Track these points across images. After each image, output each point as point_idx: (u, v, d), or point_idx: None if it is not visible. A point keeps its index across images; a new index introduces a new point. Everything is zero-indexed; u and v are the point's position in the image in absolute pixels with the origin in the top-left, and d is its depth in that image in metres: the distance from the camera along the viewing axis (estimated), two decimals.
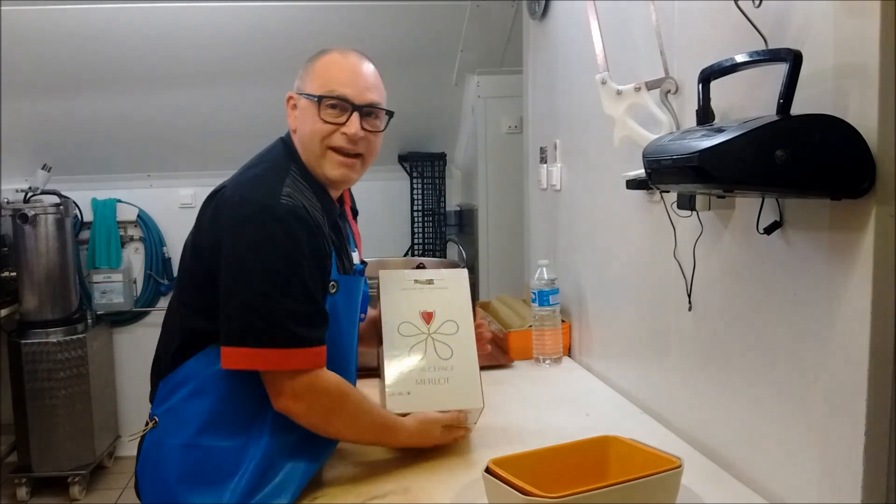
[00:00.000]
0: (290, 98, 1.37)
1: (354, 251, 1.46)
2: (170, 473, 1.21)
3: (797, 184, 0.94)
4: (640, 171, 1.28)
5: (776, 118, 0.96)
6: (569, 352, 2.12)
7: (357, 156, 1.33)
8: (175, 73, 3.27)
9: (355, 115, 1.30)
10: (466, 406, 1.36)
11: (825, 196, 0.97)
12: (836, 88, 0.98)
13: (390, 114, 1.38)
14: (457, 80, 3.62)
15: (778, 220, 1.12)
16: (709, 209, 1.31)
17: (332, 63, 1.34)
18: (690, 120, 1.27)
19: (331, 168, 1.32)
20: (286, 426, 1.24)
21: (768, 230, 1.13)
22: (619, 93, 1.44)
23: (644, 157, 1.15)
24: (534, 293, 2.01)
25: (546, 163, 2.33)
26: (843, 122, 0.94)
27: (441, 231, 3.90)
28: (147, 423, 1.28)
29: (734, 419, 1.29)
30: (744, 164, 0.94)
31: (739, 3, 1.12)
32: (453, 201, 4.04)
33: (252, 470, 1.21)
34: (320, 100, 1.29)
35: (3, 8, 2.91)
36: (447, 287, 1.48)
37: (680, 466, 1.05)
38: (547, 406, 1.70)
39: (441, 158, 3.93)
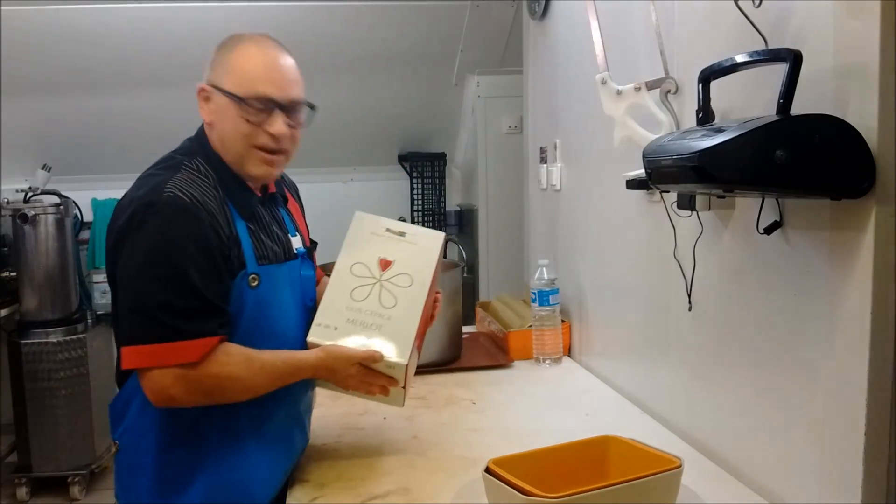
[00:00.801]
0: (203, 90, 1.30)
1: (295, 235, 1.41)
2: (142, 496, 1.27)
3: (797, 184, 0.94)
4: (640, 171, 1.28)
5: (776, 118, 0.96)
6: (569, 352, 2.12)
7: (281, 152, 1.30)
8: (175, 73, 3.26)
9: (279, 114, 1.26)
10: (388, 356, 1.26)
11: (825, 196, 0.97)
12: (836, 88, 0.98)
13: (312, 107, 1.33)
14: (457, 80, 3.62)
15: (778, 220, 1.12)
16: (709, 209, 1.31)
17: (250, 58, 1.27)
18: (690, 120, 1.27)
19: (254, 166, 1.28)
20: (239, 422, 1.26)
21: (768, 230, 1.13)
22: (619, 93, 1.44)
23: (644, 157, 1.15)
24: (534, 293, 2.01)
25: (546, 163, 2.33)
26: (843, 122, 0.94)
27: (441, 231, 3.89)
28: (110, 449, 1.31)
29: (734, 419, 1.29)
30: (744, 164, 0.94)
31: (739, 3, 1.12)
32: (453, 201, 4.04)
33: (215, 470, 1.24)
34: (242, 100, 1.24)
35: (3, 8, 2.91)
36: (417, 244, 1.39)
37: (680, 466, 1.05)
38: (547, 406, 1.70)
39: (441, 158, 3.93)
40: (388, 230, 1.39)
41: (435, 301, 1.45)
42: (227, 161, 1.28)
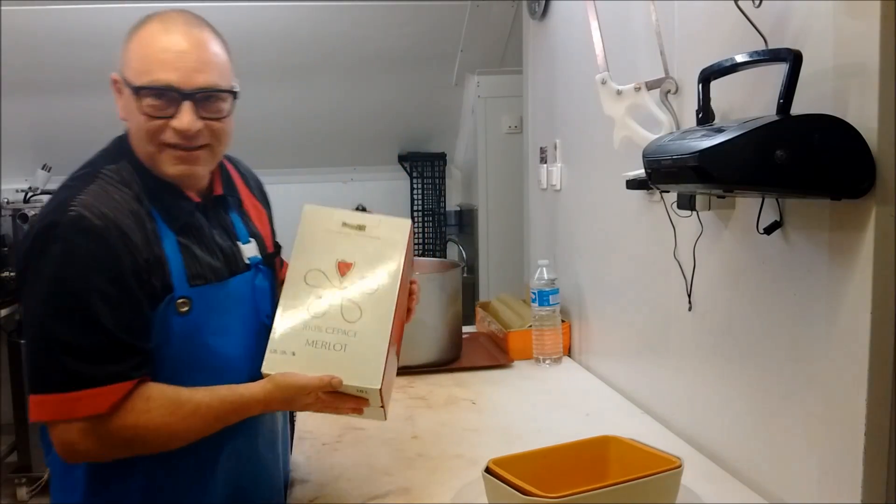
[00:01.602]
0: (115, 81, 1.12)
1: (249, 242, 1.23)
2: None
3: (797, 184, 0.94)
4: (640, 171, 1.28)
5: (776, 118, 0.96)
6: (569, 352, 2.12)
7: (200, 147, 1.10)
8: None
9: (186, 105, 1.06)
10: (357, 382, 1.09)
11: (825, 196, 0.97)
12: (836, 88, 0.98)
13: (234, 94, 1.14)
14: (457, 80, 3.62)
15: (778, 220, 1.12)
16: (709, 209, 1.31)
17: (150, 39, 1.07)
18: (690, 120, 1.27)
19: (168, 166, 1.09)
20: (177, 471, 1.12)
21: (768, 230, 1.13)
22: (619, 93, 1.44)
23: (644, 157, 1.15)
24: (534, 293, 2.01)
25: (546, 163, 2.33)
26: (843, 122, 0.93)
27: (441, 231, 3.90)
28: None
29: (734, 419, 1.29)
30: (744, 164, 0.94)
31: (739, 3, 1.12)
32: (453, 201, 4.04)
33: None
34: (138, 91, 1.05)
35: (3, 8, 2.91)
36: (380, 238, 1.19)
37: (680, 466, 1.05)
38: (547, 406, 1.70)
39: (441, 158, 3.93)
40: (344, 224, 1.19)
41: (411, 294, 1.26)
42: (145, 163, 1.11)
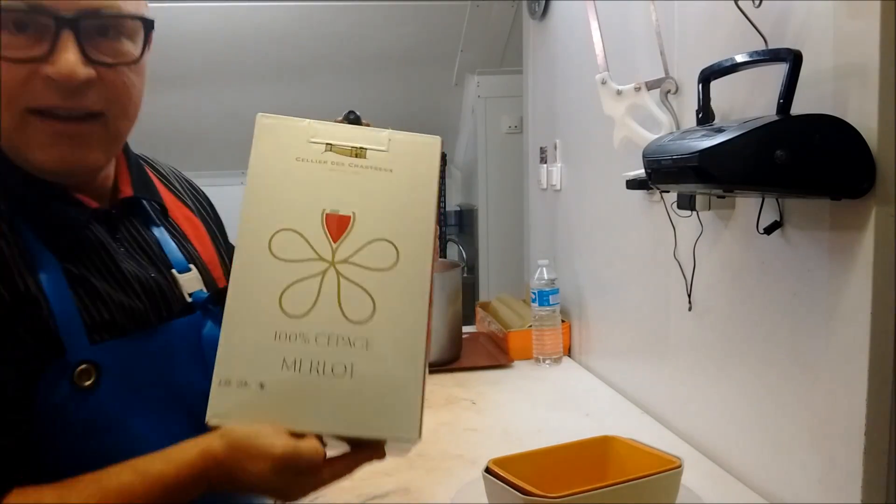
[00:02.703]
0: None
1: (188, 270, 0.83)
2: None
3: (797, 184, 0.94)
4: (640, 171, 1.28)
5: (776, 118, 0.96)
6: (569, 352, 2.12)
7: (91, 117, 0.71)
8: (172, 74, 3.26)
9: (66, 38, 0.67)
10: (382, 432, 0.73)
11: (825, 196, 0.97)
12: (836, 88, 0.98)
13: (148, 24, 0.79)
14: (457, 80, 3.62)
15: (778, 220, 1.12)
16: (709, 209, 1.31)
17: None
18: (690, 120, 1.27)
19: (39, 148, 0.69)
20: None
21: (768, 230, 1.13)
22: (619, 93, 1.44)
23: (644, 157, 1.15)
24: (534, 293, 2.01)
25: (546, 163, 2.33)
26: (843, 122, 0.93)
27: (441, 231, 3.90)
28: None
29: (734, 419, 1.29)
30: (744, 164, 0.94)
31: (739, 3, 1.12)
32: (453, 201, 4.03)
33: None
34: None
35: None
36: (392, 168, 0.73)
37: (680, 466, 1.05)
38: (547, 406, 1.70)
39: (441, 158, 3.93)
40: (330, 148, 0.72)
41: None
42: (4, 149, 0.71)
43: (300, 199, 0.71)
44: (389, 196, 0.72)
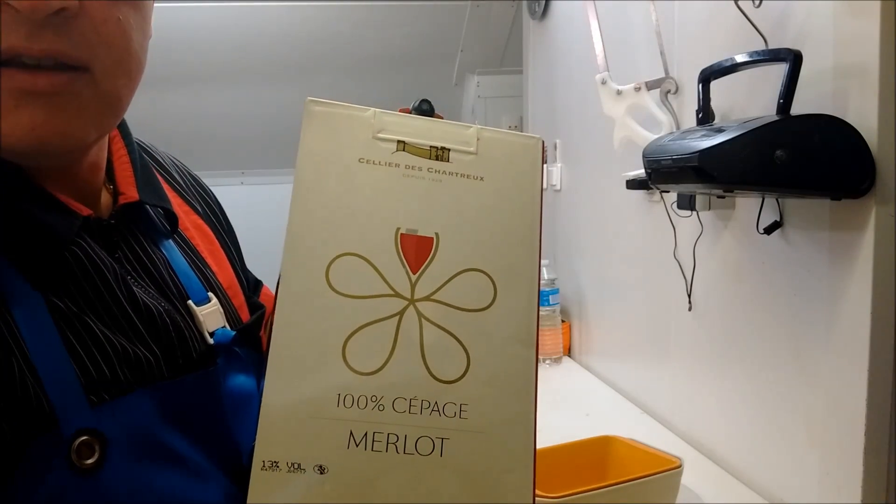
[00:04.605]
0: None
1: (206, 301, 0.63)
2: None
3: (797, 184, 0.94)
4: (640, 171, 1.28)
5: (776, 118, 0.96)
6: (569, 352, 2.12)
7: (71, 69, 0.50)
8: (172, 74, 3.26)
9: None
10: None
11: (825, 196, 0.97)
12: (836, 88, 0.98)
13: None
14: (457, 80, 3.62)
15: (778, 220, 1.12)
16: (709, 209, 1.31)
17: None
18: (690, 120, 1.27)
19: (4, 117, 0.48)
20: None
21: (768, 230, 1.13)
22: (619, 93, 1.44)
23: (644, 157, 1.15)
24: None
25: (546, 163, 2.33)
26: (843, 122, 0.93)
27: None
28: None
29: (734, 419, 1.29)
30: (744, 164, 0.94)
31: (739, 3, 1.12)
32: None
33: None
34: None
35: None
36: (483, 177, 0.55)
37: (680, 466, 1.05)
38: (547, 406, 1.70)
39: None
40: (403, 147, 0.56)
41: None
42: None
43: (366, 213, 0.52)
44: (482, 212, 0.54)
